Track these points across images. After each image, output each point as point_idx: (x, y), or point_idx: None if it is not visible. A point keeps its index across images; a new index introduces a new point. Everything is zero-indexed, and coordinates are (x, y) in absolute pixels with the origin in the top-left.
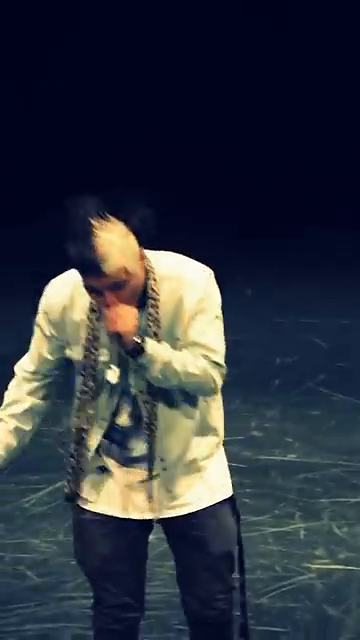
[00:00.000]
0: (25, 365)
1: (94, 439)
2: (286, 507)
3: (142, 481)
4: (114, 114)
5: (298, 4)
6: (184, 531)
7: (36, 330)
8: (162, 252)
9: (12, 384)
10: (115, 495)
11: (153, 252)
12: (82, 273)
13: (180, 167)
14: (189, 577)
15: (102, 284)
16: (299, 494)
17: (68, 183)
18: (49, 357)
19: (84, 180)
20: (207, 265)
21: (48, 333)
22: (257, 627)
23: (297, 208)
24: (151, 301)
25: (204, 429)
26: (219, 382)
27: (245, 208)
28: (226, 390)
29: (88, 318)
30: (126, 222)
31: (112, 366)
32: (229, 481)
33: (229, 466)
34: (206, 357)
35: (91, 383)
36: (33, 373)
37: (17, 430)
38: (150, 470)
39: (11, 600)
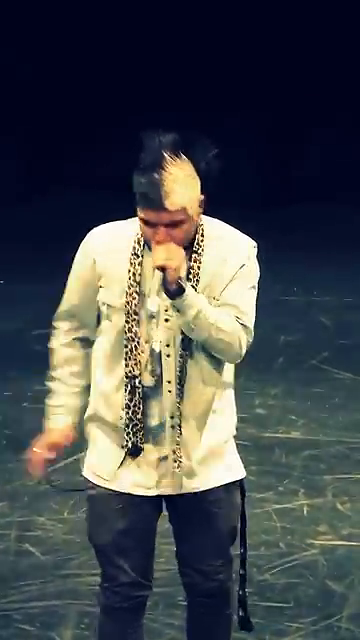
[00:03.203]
0: (62, 317)
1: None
2: (290, 484)
3: (162, 458)
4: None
5: None
6: (195, 507)
7: (72, 275)
8: (212, 218)
9: (57, 342)
10: (135, 473)
11: (204, 216)
12: (143, 204)
13: None
14: (194, 552)
15: (160, 219)
16: (303, 471)
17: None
18: (85, 302)
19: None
20: None
21: (83, 275)
22: (261, 603)
23: (304, 187)
24: (195, 256)
25: (230, 414)
26: (244, 347)
27: (252, 186)
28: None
29: (130, 263)
30: (195, 165)
31: (155, 296)
32: (239, 461)
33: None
34: (238, 319)
35: (136, 329)
36: (72, 322)
37: (80, 391)
38: (171, 435)
39: (16, 578)
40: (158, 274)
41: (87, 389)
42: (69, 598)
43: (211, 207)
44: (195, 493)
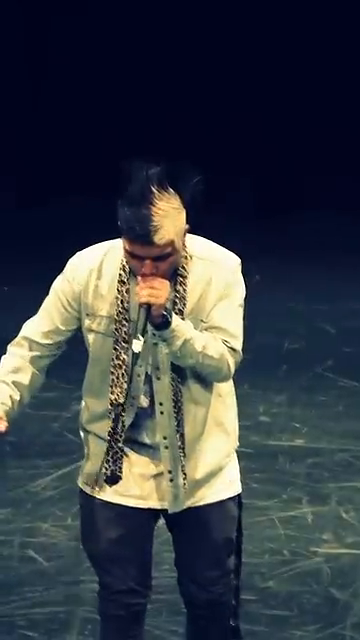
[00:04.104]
0: (32, 333)
1: (128, 416)
2: (294, 492)
3: (156, 474)
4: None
5: None
6: (190, 519)
7: (53, 298)
8: (195, 235)
9: (15, 350)
10: (128, 484)
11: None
12: (130, 239)
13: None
14: (189, 563)
15: (147, 253)
16: (307, 479)
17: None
18: (61, 327)
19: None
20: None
21: (66, 302)
22: (264, 611)
23: (311, 193)
24: (180, 279)
25: (223, 431)
26: (233, 369)
27: (257, 193)
28: (234, 375)
29: (117, 290)
30: (181, 196)
31: (139, 336)
32: (239, 476)
33: (237, 450)
34: (226, 342)
35: (124, 356)
36: (39, 344)
37: (20, 400)
38: (167, 453)
39: (20, 584)
40: (142, 311)
41: (25, 404)
42: (72, 604)
43: (212, 216)
44: (193, 507)
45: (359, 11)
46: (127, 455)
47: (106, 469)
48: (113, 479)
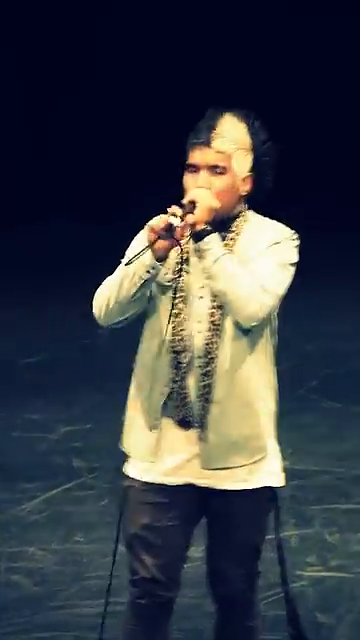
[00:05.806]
0: None
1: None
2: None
3: (197, 454)
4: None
5: None
6: (225, 508)
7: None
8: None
9: None
10: (167, 460)
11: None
12: (192, 144)
13: None
14: (216, 553)
15: (204, 158)
16: (291, 501)
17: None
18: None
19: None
20: None
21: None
22: None
23: (294, 217)
24: (232, 234)
25: (258, 396)
26: (260, 309)
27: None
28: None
29: (175, 269)
30: (252, 141)
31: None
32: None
33: None
34: (258, 282)
35: (181, 305)
36: None
37: None
38: (203, 416)
39: (7, 609)
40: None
41: None
42: (60, 629)
43: None
44: (226, 492)
45: None
46: (167, 434)
47: (177, 415)
48: (185, 423)
